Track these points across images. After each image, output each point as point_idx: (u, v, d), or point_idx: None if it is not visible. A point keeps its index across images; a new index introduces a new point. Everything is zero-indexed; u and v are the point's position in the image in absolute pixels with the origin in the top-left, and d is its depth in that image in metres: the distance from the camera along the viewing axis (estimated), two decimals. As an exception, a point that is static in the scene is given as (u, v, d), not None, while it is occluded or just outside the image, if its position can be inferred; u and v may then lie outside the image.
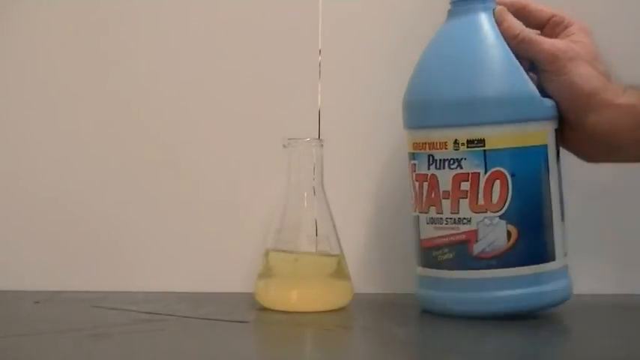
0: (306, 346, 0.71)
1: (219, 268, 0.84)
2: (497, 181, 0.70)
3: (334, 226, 0.79)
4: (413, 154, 0.74)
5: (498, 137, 0.70)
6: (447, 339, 0.70)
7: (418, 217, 0.74)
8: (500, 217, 0.70)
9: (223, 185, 0.85)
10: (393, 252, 0.85)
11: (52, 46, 0.85)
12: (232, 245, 0.84)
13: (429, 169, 0.72)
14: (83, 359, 0.64)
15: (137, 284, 0.84)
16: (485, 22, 0.72)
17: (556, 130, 0.73)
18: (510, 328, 0.73)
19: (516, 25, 0.72)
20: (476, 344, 0.69)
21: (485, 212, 0.70)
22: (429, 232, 0.73)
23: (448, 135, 0.71)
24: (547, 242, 0.72)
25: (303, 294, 0.77)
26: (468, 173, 0.70)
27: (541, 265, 0.71)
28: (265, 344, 0.72)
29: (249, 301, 0.79)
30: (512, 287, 0.71)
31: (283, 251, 0.78)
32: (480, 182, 0.70)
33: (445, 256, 0.72)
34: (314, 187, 0.79)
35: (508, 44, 0.72)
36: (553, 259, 0.72)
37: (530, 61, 0.73)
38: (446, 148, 0.71)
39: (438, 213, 0.72)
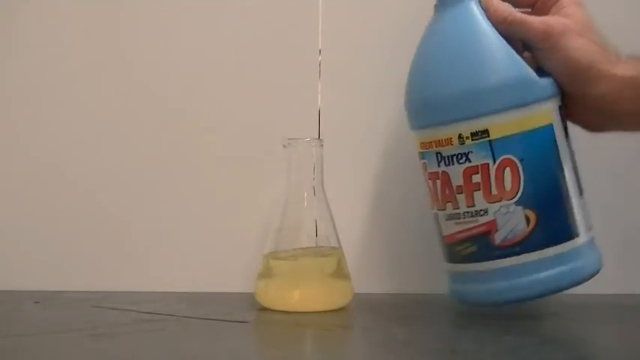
0: (306, 346, 0.71)
1: (219, 268, 0.84)
2: (508, 169, 0.70)
3: (334, 226, 0.79)
4: (422, 153, 0.74)
5: (501, 125, 0.70)
6: (447, 339, 0.70)
7: (437, 214, 0.74)
8: (516, 203, 0.70)
9: (223, 185, 0.85)
10: (392, 252, 0.86)
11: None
12: (232, 245, 0.84)
13: (439, 166, 0.72)
14: (83, 359, 0.64)
15: (137, 284, 0.84)
16: (472, 11, 0.72)
17: (560, 106, 0.72)
18: (510, 328, 0.73)
19: (503, 9, 0.71)
20: (476, 344, 0.69)
21: (500, 201, 0.70)
22: (450, 228, 0.73)
23: (451, 131, 0.70)
24: (568, 220, 0.71)
25: (303, 294, 0.77)
26: (477, 165, 0.70)
27: (566, 244, 0.71)
28: (265, 344, 0.72)
29: (249, 301, 0.79)
30: (540, 270, 0.70)
31: (283, 251, 0.78)
32: (491, 172, 0.70)
33: (468, 250, 0.72)
34: (314, 187, 0.79)
35: (498, 29, 0.71)
36: (577, 235, 0.71)
37: (524, 42, 0.72)
38: (452, 144, 0.71)
39: (455, 208, 0.72)
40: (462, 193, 0.71)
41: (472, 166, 0.70)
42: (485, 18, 0.71)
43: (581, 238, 0.72)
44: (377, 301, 0.81)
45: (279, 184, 0.79)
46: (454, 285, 0.75)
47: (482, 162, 0.70)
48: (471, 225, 0.71)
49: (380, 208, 0.85)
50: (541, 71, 0.71)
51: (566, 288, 0.72)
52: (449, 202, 0.72)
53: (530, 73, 0.70)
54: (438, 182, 0.72)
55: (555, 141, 0.71)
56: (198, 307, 0.78)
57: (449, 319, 0.77)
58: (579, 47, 0.70)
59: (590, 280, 0.73)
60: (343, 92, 0.85)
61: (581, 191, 0.73)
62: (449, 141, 0.71)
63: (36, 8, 0.84)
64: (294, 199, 0.79)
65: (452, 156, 0.71)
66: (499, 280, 0.71)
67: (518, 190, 0.70)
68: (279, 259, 0.78)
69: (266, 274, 0.78)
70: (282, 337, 0.72)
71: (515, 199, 0.70)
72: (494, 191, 0.70)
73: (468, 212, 0.71)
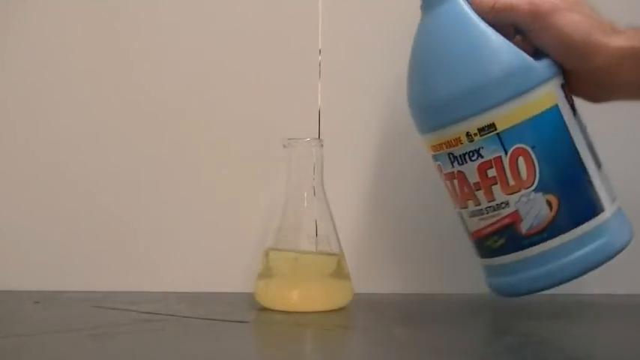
0: (306, 346, 0.71)
1: (219, 268, 0.84)
2: (521, 158, 0.69)
3: (334, 226, 0.79)
4: (434, 156, 0.73)
5: (506, 116, 0.69)
6: (447, 339, 0.70)
7: (460, 212, 0.74)
8: (535, 190, 0.69)
9: (223, 185, 0.85)
10: (393, 252, 0.86)
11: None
12: (232, 245, 0.84)
13: (453, 166, 0.72)
14: (83, 359, 0.64)
15: (137, 284, 0.84)
16: (457, 7, 0.71)
17: (562, 84, 0.71)
18: (510, 328, 0.74)
19: None
20: (476, 344, 0.69)
21: (520, 191, 0.70)
22: (475, 224, 0.73)
23: (458, 130, 0.70)
24: (590, 197, 0.71)
25: (303, 294, 0.77)
26: (490, 160, 0.70)
27: (592, 221, 0.70)
28: (265, 344, 0.72)
29: (249, 301, 0.79)
30: (572, 251, 0.70)
31: (283, 251, 0.78)
32: (505, 165, 0.70)
33: (498, 243, 0.72)
34: (314, 187, 0.79)
35: (486, 19, 0.70)
36: (602, 210, 0.71)
37: (514, 27, 0.71)
38: (461, 143, 0.70)
39: (476, 205, 0.72)
40: (480, 189, 0.71)
41: (485, 162, 0.70)
42: (472, 11, 0.71)
43: (607, 212, 0.71)
44: (377, 301, 0.81)
45: (279, 184, 0.79)
46: (490, 279, 0.75)
47: (495, 156, 0.70)
48: (495, 219, 0.71)
49: (380, 208, 0.85)
50: (538, 52, 0.71)
51: (602, 263, 0.71)
52: (469, 199, 0.72)
53: (527, 58, 0.70)
54: (455, 182, 0.72)
55: (564, 121, 0.70)
56: (198, 307, 0.78)
57: (449, 319, 0.77)
58: (570, 22, 0.69)
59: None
60: (343, 92, 0.85)
61: (599, 165, 0.72)
62: (458, 140, 0.71)
63: (36, 8, 0.84)
64: (294, 199, 0.79)
65: (464, 155, 0.71)
66: (533, 268, 0.71)
67: (535, 176, 0.69)
68: (279, 259, 0.78)
69: (266, 274, 0.78)
70: (282, 337, 0.72)
71: (534, 187, 0.69)
72: (512, 182, 0.70)
73: (489, 207, 0.71)
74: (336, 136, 0.83)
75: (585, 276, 0.71)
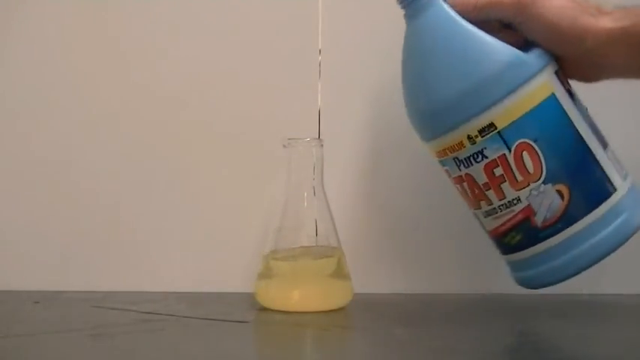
0: (306, 346, 0.71)
1: (219, 268, 0.84)
2: (525, 153, 0.69)
3: (334, 226, 0.79)
4: (440, 161, 0.73)
5: (504, 114, 0.69)
6: (447, 339, 0.70)
7: (475, 213, 0.74)
8: (544, 182, 0.69)
9: (223, 185, 0.85)
10: (393, 252, 0.86)
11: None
12: (232, 245, 0.84)
13: (460, 170, 0.72)
14: (83, 359, 0.64)
15: (137, 284, 0.84)
16: (440, 11, 0.71)
17: (556, 71, 0.71)
18: (511, 328, 0.74)
19: None
20: (476, 344, 0.69)
21: (529, 185, 0.69)
22: (490, 223, 0.73)
23: (459, 134, 0.70)
24: (601, 179, 0.70)
25: (303, 294, 0.77)
26: (495, 159, 0.70)
27: (606, 204, 0.70)
28: (265, 344, 0.72)
29: (249, 301, 0.79)
30: (590, 236, 0.69)
31: (283, 251, 0.78)
32: (510, 162, 0.69)
33: (515, 239, 0.72)
34: (314, 187, 0.79)
35: (469, 19, 0.70)
36: (614, 190, 0.70)
37: (499, 21, 0.71)
38: (464, 147, 0.70)
39: (489, 205, 0.72)
40: (490, 189, 0.71)
41: (490, 161, 0.70)
42: (455, 12, 0.70)
43: (620, 191, 0.71)
44: (377, 301, 0.81)
45: (279, 184, 0.79)
46: (516, 273, 0.74)
47: (499, 154, 0.70)
48: (509, 216, 0.71)
49: (380, 208, 0.85)
50: (527, 43, 0.70)
51: (623, 243, 0.70)
52: (481, 200, 0.72)
53: (516, 52, 0.69)
54: (465, 185, 0.72)
55: (562, 108, 0.70)
56: (198, 307, 0.78)
57: (449, 319, 0.77)
58: (555, 9, 0.68)
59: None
60: (343, 92, 0.85)
61: (605, 145, 0.72)
62: (460, 145, 0.71)
63: (36, 8, 0.84)
64: (294, 199, 0.79)
65: (468, 157, 0.71)
66: (555, 258, 0.70)
67: (542, 169, 0.69)
68: (280, 259, 0.78)
69: (266, 274, 0.78)
70: (282, 337, 0.72)
71: (543, 179, 0.69)
72: (520, 178, 0.70)
73: (502, 205, 0.71)
74: (336, 136, 0.83)
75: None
